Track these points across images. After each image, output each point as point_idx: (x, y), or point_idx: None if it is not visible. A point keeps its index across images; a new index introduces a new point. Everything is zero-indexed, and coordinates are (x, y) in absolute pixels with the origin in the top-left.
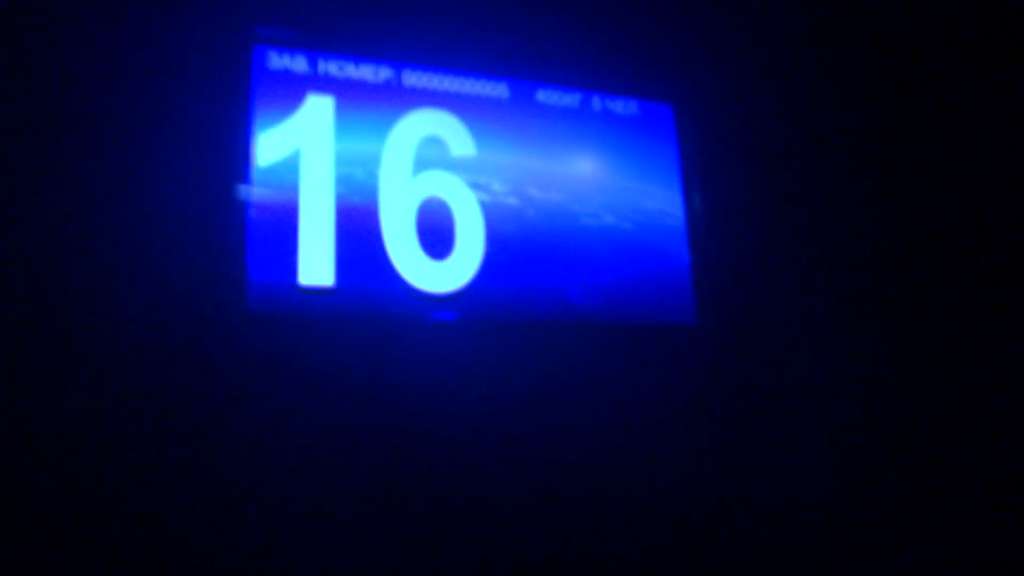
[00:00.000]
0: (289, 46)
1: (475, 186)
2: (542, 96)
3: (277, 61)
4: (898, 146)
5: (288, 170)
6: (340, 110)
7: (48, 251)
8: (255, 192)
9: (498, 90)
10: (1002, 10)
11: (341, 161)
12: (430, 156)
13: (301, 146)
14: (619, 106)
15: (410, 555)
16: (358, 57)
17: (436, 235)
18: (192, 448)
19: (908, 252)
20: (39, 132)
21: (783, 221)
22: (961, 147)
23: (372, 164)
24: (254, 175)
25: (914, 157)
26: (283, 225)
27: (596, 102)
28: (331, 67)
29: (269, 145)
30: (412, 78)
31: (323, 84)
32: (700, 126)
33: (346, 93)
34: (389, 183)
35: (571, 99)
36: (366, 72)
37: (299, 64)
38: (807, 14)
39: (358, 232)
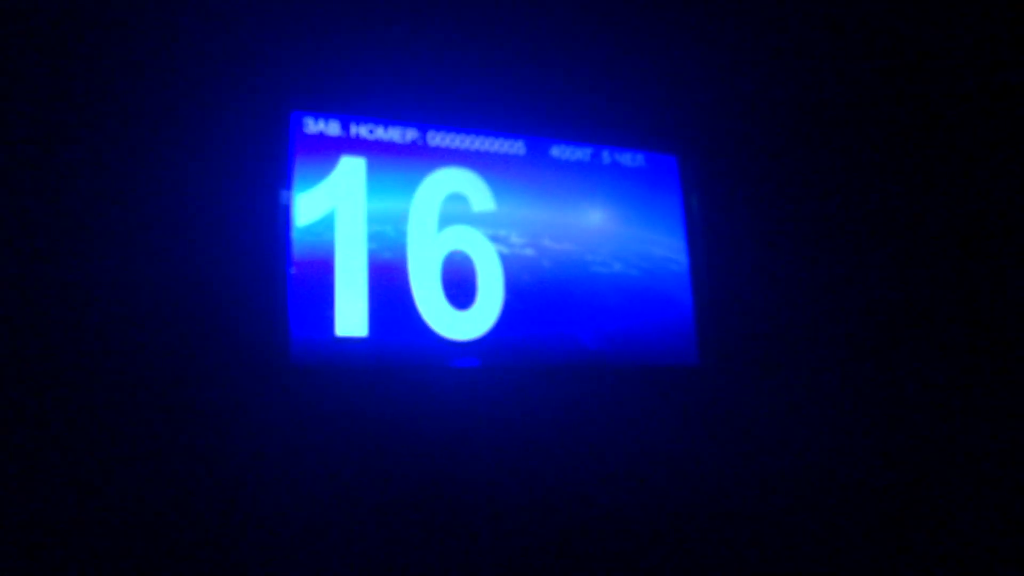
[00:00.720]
0: (323, 111)
1: (495, 239)
2: (556, 151)
3: (312, 126)
4: (896, 197)
5: (324, 228)
6: (371, 170)
7: (106, 306)
8: (296, 251)
9: (515, 147)
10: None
11: (372, 219)
12: (453, 212)
13: (336, 206)
14: (627, 158)
15: None
16: (387, 120)
17: (460, 286)
18: (241, 499)
19: (908, 298)
20: (98, 196)
21: (782, 267)
22: (959, 198)
23: (401, 221)
24: (294, 235)
25: (912, 208)
26: (321, 281)
27: (606, 155)
28: (362, 130)
29: (307, 205)
30: (436, 138)
31: (355, 146)
32: (703, 176)
33: (376, 154)
34: (416, 238)
35: (583, 153)
36: (394, 134)
37: (332, 128)
38: (805, 70)
39: (389, 285)
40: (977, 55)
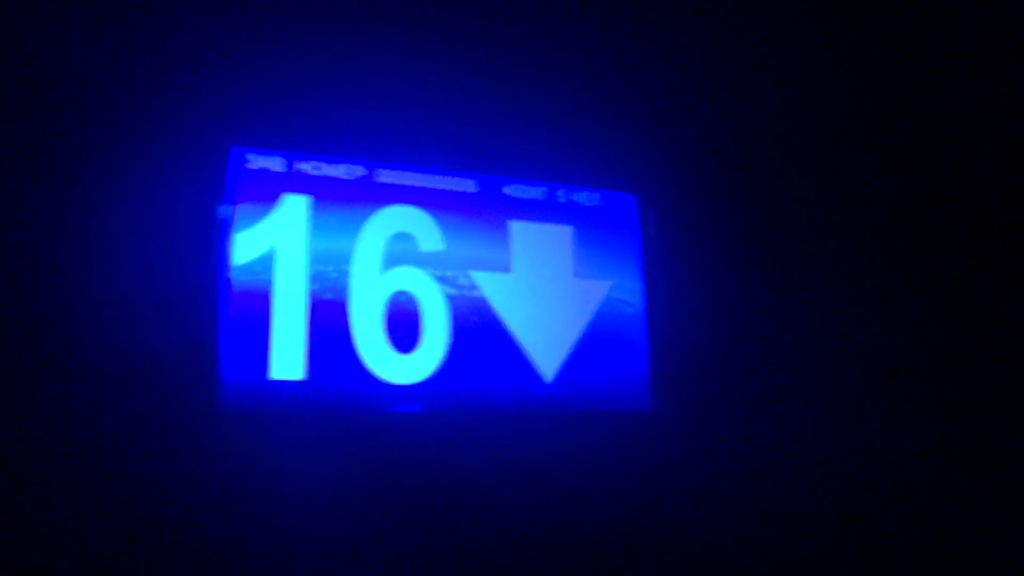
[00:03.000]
0: (266, 147)
1: (442, 280)
2: (509, 190)
3: (254, 161)
4: (856, 240)
5: (263, 268)
6: (315, 208)
7: (29, 338)
8: (232, 290)
9: (467, 185)
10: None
11: (315, 259)
12: (400, 251)
13: (276, 245)
14: (584, 197)
15: None
16: (333, 157)
17: (403, 328)
18: (161, 555)
19: (868, 344)
20: (29, 227)
21: (742, 312)
22: (920, 240)
23: (344, 261)
24: (230, 274)
25: (872, 252)
26: (257, 322)
27: (561, 194)
28: (307, 166)
29: (246, 243)
30: (384, 175)
31: (299, 183)
32: (662, 217)
33: (321, 191)
34: (360, 279)
35: (537, 191)
36: (340, 170)
37: (276, 164)
38: (767, 112)
39: (329, 327)
40: (938, 95)
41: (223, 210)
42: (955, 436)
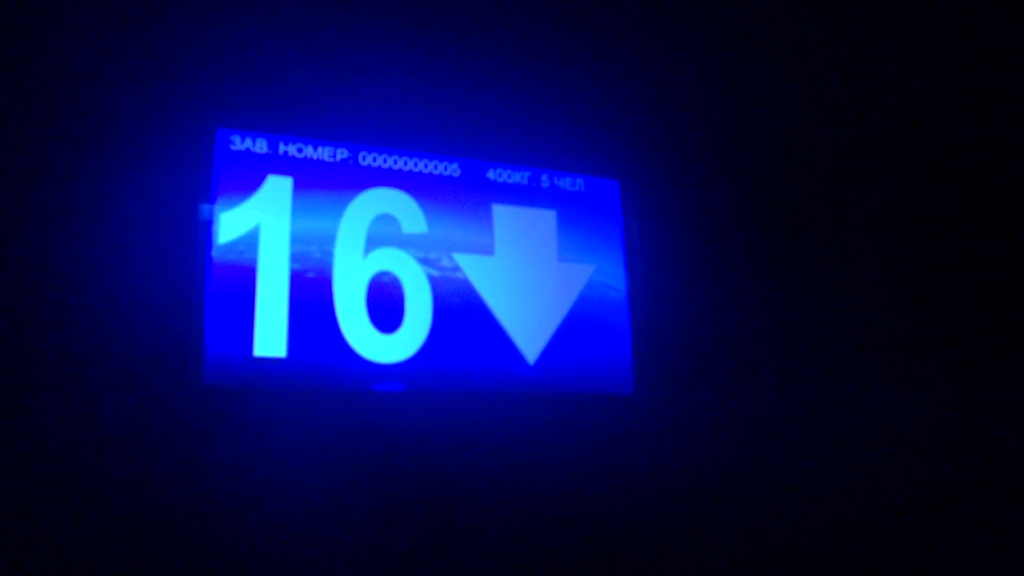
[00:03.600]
0: (250, 129)
1: (424, 261)
2: (492, 174)
3: (239, 143)
4: (837, 225)
5: (247, 247)
6: (298, 190)
7: (18, 315)
8: (216, 268)
9: (450, 169)
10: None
11: (297, 239)
12: (383, 233)
13: (260, 223)
14: (567, 182)
15: None
16: (316, 139)
17: (386, 308)
18: (147, 523)
19: (846, 326)
20: (16, 203)
21: (722, 297)
22: (901, 221)
23: (327, 241)
24: (215, 252)
25: (853, 234)
26: (241, 299)
27: (545, 179)
28: (290, 148)
29: (230, 223)
30: (368, 158)
31: (282, 165)
32: (645, 202)
33: (304, 173)
34: (343, 259)
35: (520, 176)
36: (324, 153)
37: (260, 146)
38: (749, 98)
39: (311, 306)
40: (915, 72)
41: (208, 190)
42: (935, 411)
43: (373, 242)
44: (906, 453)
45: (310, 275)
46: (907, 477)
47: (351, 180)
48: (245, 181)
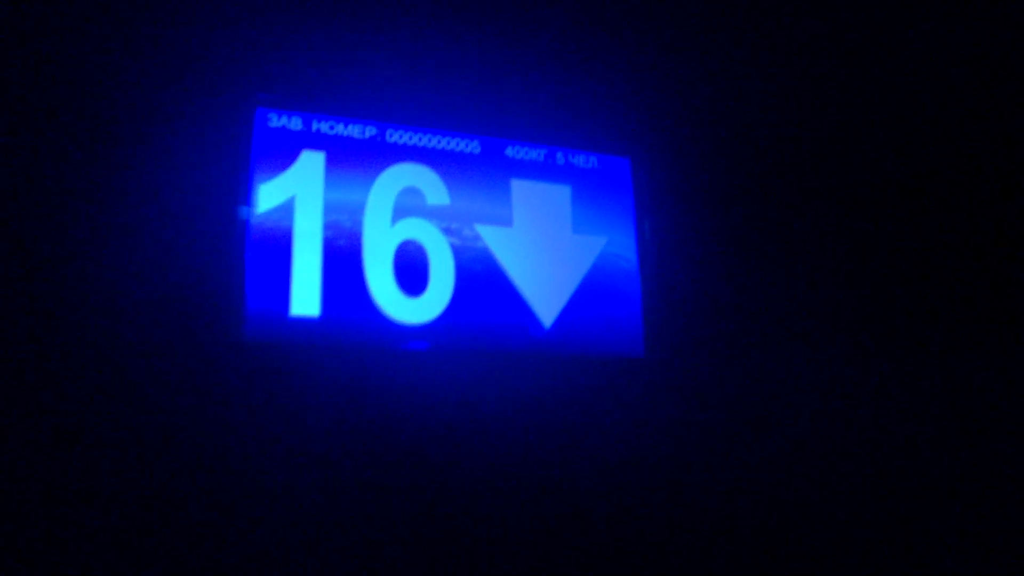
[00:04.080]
0: (286, 108)
1: (447, 231)
2: (511, 151)
3: (276, 121)
4: (844, 197)
5: (283, 216)
6: (330, 163)
7: (65, 283)
8: (254, 234)
9: (471, 146)
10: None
11: (329, 209)
12: (409, 204)
13: (296, 194)
14: (581, 160)
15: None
16: (347, 118)
17: (412, 274)
18: (191, 472)
19: (854, 294)
20: (64, 179)
21: (728, 267)
22: (908, 197)
23: (357, 211)
24: (254, 219)
25: (861, 208)
26: (277, 262)
27: (560, 156)
28: (323, 126)
29: (267, 193)
30: (395, 136)
31: (316, 141)
32: (654, 179)
33: (336, 149)
34: (372, 228)
35: (537, 154)
36: (354, 130)
37: (295, 123)
38: (758, 75)
39: (343, 270)
40: (918, 58)
41: (247, 163)
42: (944, 374)
43: (400, 212)
44: (912, 411)
45: (341, 242)
46: (913, 440)
47: (379, 155)
48: (282, 155)
